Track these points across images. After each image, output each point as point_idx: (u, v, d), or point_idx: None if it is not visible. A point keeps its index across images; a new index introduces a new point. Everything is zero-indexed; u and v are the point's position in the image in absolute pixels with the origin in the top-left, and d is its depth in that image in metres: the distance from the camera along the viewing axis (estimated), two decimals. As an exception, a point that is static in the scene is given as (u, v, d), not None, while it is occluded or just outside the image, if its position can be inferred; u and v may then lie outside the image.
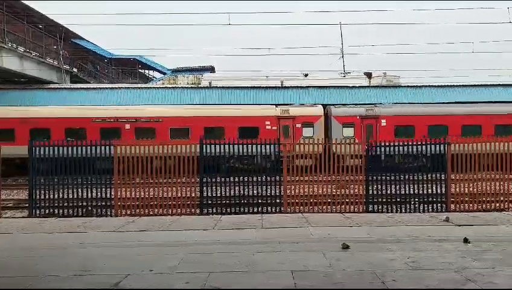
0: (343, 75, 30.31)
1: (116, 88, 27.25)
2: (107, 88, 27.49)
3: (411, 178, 10.90)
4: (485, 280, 4.91)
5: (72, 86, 28.37)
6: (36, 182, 10.67)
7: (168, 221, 9.12)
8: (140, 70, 42.91)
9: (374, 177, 10.80)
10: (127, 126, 20.74)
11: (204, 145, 10.81)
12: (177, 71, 35.45)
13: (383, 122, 21.49)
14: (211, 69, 35.54)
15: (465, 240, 6.80)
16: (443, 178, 10.80)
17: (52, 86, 27.90)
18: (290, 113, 21.43)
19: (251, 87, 26.40)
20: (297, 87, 26.63)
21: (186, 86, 27.92)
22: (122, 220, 9.48)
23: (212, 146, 10.76)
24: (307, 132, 20.88)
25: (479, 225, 8.34)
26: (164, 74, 38.91)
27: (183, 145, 10.86)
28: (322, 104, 23.18)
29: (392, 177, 10.88)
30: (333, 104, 23.32)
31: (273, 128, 20.98)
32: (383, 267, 5.47)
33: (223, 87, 26.58)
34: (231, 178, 10.93)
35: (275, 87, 26.56)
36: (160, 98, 26.07)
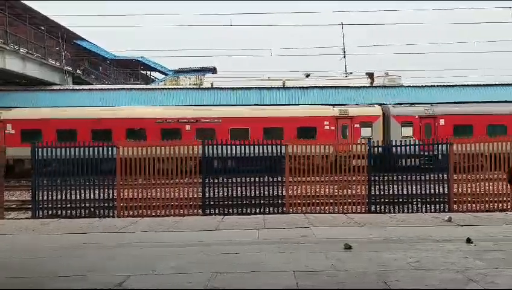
0: (345, 75, 30.29)
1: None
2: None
3: (413, 178, 10.89)
4: (487, 280, 4.90)
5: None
6: (39, 183, 10.71)
7: (170, 222, 9.14)
8: (142, 71, 43.00)
9: (376, 178, 10.80)
10: (188, 127, 20.82)
11: (206, 147, 10.83)
12: (178, 72, 35.50)
13: (442, 121, 21.45)
14: (213, 70, 35.57)
15: (468, 240, 6.79)
16: (445, 178, 10.79)
17: (61, 87, 27.99)
18: (349, 113, 21.42)
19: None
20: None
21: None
22: (125, 221, 9.51)
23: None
24: (366, 132, 20.83)
25: (482, 225, 8.33)
26: (166, 74, 38.99)
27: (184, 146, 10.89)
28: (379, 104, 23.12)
29: (395, 177, 10.88)
30: (391, 104, 23.24)
31: (332, 128, 21.00)
32: (386, 267, 5.47)
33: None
34: (233, 179, 10.96)
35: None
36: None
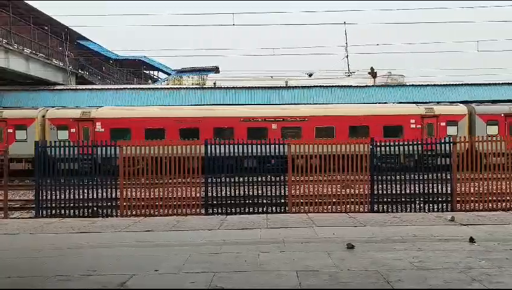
0: (347, 74, 30.25)
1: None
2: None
3: (416, 177, 10.85)
4: (491, 280, 4.89)
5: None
6: (42, 182, 10.76)
7: (173, 221, 9.16)
8: (144, 71, 43.11)
9: (379, 177, 10.78)
10: (274, 126, 20.83)
11: (208, 146, 10.84)
12: (181, 72, 35.56)
13: None
14: (215, 70, 35.61)
15: (471, 240, 6.78)
16: (449, 177, 10.76)
17: (64, 86, 28.10)
18: (435, 112, 21.30)
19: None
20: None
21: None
22: (128, 220, 9.53)
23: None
24: (451, 130, 20.71)
25: (485, 225, 8.30)
26: (169, 74, 39.06)
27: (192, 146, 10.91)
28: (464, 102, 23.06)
29: (397, 177, 10.85)
30: (476, 102, 23.27)
31: (418, 126, 20.89)
32: (388, 267, 5.46)
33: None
34: (236, 178, 10.96)
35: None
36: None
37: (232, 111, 21.50)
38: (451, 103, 23.38)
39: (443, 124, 20.96)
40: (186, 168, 10.65)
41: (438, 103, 23.33)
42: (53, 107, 22.47)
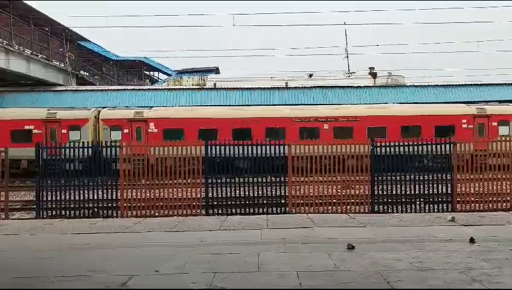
0: (348, 75, 30.26)
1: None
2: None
3: (416, 178, 10.86)
4: (491, 280, 4.89)
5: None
6: (43, 183, 10.77)
7: (173, 222, 9.17)
8: (145, 71, 43.13)
9: (380, 178, 10.78)
10: (326, 126, 20.82)
11: (209, 147, 10.85)
12: (181, 72, 35.58)
13: None
14: (216, 70, 35.63)
15: (471, 240, 6.78)
16: (449, 178, 10.76)
17: (65, 88, 28.13)
18: (486, 112, 21.20)
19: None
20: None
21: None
22: (128, 221, 9.54)
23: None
24: (503, 130, 20.57)
25: (485, 225, 8.30)
26: (169, 75, 39.07)
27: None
28: None
29: (398, 177, 10.85)
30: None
31: (469, 126, 20.80)
32: (389, 267, 5.47)
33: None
34: (236, 179, 10.96)
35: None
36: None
37: (284, 111, 21.57)
38: (501, 102, 23.26)
39: (495, 124, 20.83)
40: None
41: (487, 102, 23.18)
42: (104, 107, 22.59)
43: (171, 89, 28.35)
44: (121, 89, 28.08)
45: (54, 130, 20.69)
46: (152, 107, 22.53)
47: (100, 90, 28.03)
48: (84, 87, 28.75)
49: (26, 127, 20.61)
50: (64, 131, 20.65)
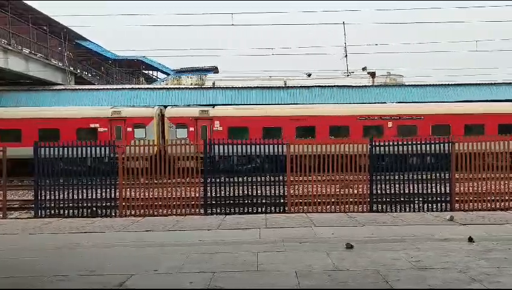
0: (346, 74, 30.24)
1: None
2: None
3: (415, 177, 10.86)
4: (490, 280, 4.89)
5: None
6: (42, 183, 10.75)
7: (172, 221, 9.16)
8: (143, 70, 43.07)
9: (378, 177, 10.78)
10: (390, 124, 20.83)
11: (209, 145, 10.84)
12: (180, 72, 35.54)
13: None
14: (214, 70, 35.58)
15: (470, 240, 6.78)
16: (447, 177, 10.76)
17: (64, 87, 28.07)
18: None
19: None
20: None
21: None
22: (127, 220, 9.53)
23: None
24: None
25: (484, 224, 8.32)
26: (168, 74, 39.02)
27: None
28: None
29: (396, 177, 10.85)
30: None
31: None
32: (387, 266, 5.47)
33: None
34: (235, 178, 10.96)
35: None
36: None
37: (348, 109, 21.57)
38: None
39: None
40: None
41: None
42: (166, 105, 22.65)
43: (169, 88, 28.24)
44: (119, 88, 27.96)
45: (119, 128, 20.80)
46: (214, 105, 22.62)
47: (98, 89, 27.93)
48: (81, 87, 28.67)
49: (92, 125, 20.76)
50: (129, 129, 20.76)
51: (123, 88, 28.14)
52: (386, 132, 20.06)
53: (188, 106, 23.21)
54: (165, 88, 28.42)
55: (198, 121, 20.96)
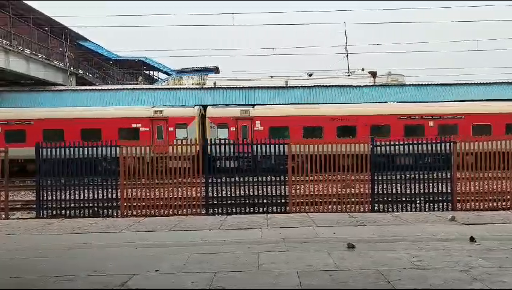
0: (347, 74, 30.22)
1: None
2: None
3: (416, 177, 10.84)
4: (492, 279, 4.89)
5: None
6: (43, 183, 10.76)
7: (174, 221, 9.17)
8: (145, 71, 43.10)
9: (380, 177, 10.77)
10: (431, 123, 20.95)
11: (209, 146, 10.84)
12: (181, 72, 35.56)
13: None
14: (216, 70, 35.59)
15: (471, 239, 6.78)
16: (449, 177, 10.75)
17: (64, 87, 28.09)
18: None
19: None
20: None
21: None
22: (129, 220, 9.54)
23: None
24: None
25: (485, 224, 8.30)
26: (169, 74, 39.05)
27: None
28: None
29: (398, 176, 10.85)
30: None
31: None
32: (389, 266, 5.47)
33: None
34: (236, 178, 10.96)
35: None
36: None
37: (388, 109, 21.64)
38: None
39: None
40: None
41: None
42: (206, 105, 22.83)
43: (170, 88, 28.25)
44: (121, 89, 27.94)
45: (161, 128, 20.98)
46: (254, 105, 22.77)
47: (99, 89, 27.94)
48: (82, 87, 28.69)
49: (133, 125, 20.95)
50: (171, 129, 20.97)
51: (124, 88, 28.16)
52: (427, 131, 20.07)
53: (227, 105, 23.33)
54: (166, 88, 28.44)
55: (238, 121, 21.16)
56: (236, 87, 26.80)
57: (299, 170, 10.64)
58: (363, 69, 29.57)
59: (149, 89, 28.84)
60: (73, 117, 21.12)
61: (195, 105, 22.79)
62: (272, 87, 26.83)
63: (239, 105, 23.13)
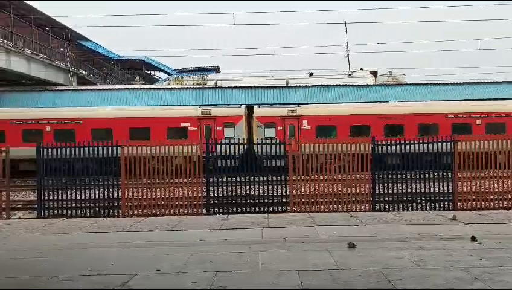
0: (348, 74, 30.21)
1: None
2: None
3: (417, 176, 10.83)
4: (493, 279, 4.87)
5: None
6: (44, 183, 10.77)
7: (174, 221, 9.17)
8: (145, 71, 43.12)
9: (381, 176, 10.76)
10: (478, 121, 20.99)
11: (209, 145, 10.83)
12: (182, 72, 35.56)
13: None
14: (216, 70, 35.59)
15: (473, 239, 6.76)
16: (450, 176, 10.73)
17: (66, 87, 28.12)
18: None
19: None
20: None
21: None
22: (129, 220, 9.54)
23: None
24: None
25: (487, 223, 8.29)
26: (169, 74, 39.06)
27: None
28: None
29: (399, 176, 10.83)
30: None
31: None
32: (390, 266, 5.46)
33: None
34: (237, 177, 10.96)
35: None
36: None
37: (436, 107, 21.65)
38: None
39: None
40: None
41: None
42: (252, 104, 22.93)
43: (171, 88, 28.25)
44: (121, 88, 27.98)
45: (209, 127, 21.16)
46: (300, 104, 22.88)
47: (100, 89, 27.98)
48: (83, 87, 28.71)
49: (182, 125, 21.10)
50: (219, 128, 21.13)
51: (125, 88, 28.19)
52: (475, 129, 20.11)
53: (271, 105, 23.41)
54: (167, 88, 28.44)
55: (285, 120, 21.23)
56: (237, 87, 26.82)
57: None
58: (361, 69, 29.58)
59: (150, 88, 28.85)
60: (122, 116, 21.39)
61: (241, 104, 22.97)
62: (272, 86, 26.85)
63: (285, 104, 23.23)
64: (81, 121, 21.30)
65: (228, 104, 23.84)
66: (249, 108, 22.35)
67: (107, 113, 21.86)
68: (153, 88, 29.19)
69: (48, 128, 21.21)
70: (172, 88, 28.20)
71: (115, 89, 28.04)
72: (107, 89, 27.94)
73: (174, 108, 22.82)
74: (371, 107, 22.06)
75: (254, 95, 26.31)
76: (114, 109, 22.74)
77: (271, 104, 23.69)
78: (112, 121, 21.14)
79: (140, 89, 28.30)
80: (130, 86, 29.82)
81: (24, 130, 21.04)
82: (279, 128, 21.04)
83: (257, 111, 21.66)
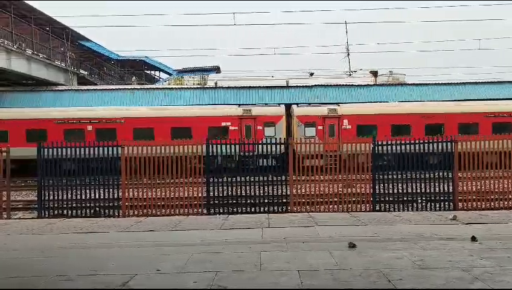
0: (348, 74, 30.22)
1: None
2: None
3: (418, 176, 10.83)
4: (493, 279, 4.88)
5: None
6: (45, 183, 10.78)
7: (175, 221, 9.17)
8: (146, 71, 43.12)
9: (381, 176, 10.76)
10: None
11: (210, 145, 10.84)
12: (182, 72, 35.55)
13: None
14: (217, 70, 35.58)
15: (473, 239, 6.76)
16: (450, 176, 10.73)
17: (66, 87, 28.11)
18: None
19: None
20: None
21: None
22: (130, 220, 9.55)
23: None
24: None
25: (487, 224, 8.29)
26: (170, 74, 39.07)
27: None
28: None
29: (399, 176, 10.83)
30: None
31: None
32: (390, 266, 5.46)
33: None
34: (237, 178, 10.96)
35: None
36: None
37: (475, 107, 21.60)
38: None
39: None
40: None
41: None
42: (292, 104, 22.96)
43: (172, 88, 28.25)
44: (122, 88, 27.95)
45: (249, 127, 21.26)
46: (339, 103, 22.91)
47: (100, 89, 27.96)
48: (84, 87, 28.70)
49: (223, 124, 21.23)
50: (259, 127, 21.22)
51: (125, 88, 28.19)
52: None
53: (309, 104, 23.42)
54: (168, 88, 28.44)
55: (326, 119, 21.30)
56: (238, 87, 26.81)
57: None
58: (361, 69, 29.60)
59: (150, 88, 28.83)
60: (163, 116, 21.45)
61: (280, 104, 22.97)
62: (273, 86, 26.84)
63: (325, 103, 23.23)
64: (123, 121, 21.36)
65: (266, 104, 23.83)
66: (286, 107, 22.37)
67: (149, 112, 21.97)
68: (155, 88, 29.16)
69: (89, 128, 21.31)
70: (173, 88, 28.17)
71: (115, 89, 28.02)
72: (106, 89, 27.90)
73: (215, 107, 22.91)
74: (413, 106, 22.09)
75: (254, 95, 26.28)
76: (156, 108, 22.87)
77: (309, 104, 23.66)
78: (153, 120, 21.24)
79: (140, 89, 28.27)
80: (130, 86, 29.78)
81: (65, 129, 21.09)
82: (320, 127, 21.08)
83: (297, 110, 21.66)
